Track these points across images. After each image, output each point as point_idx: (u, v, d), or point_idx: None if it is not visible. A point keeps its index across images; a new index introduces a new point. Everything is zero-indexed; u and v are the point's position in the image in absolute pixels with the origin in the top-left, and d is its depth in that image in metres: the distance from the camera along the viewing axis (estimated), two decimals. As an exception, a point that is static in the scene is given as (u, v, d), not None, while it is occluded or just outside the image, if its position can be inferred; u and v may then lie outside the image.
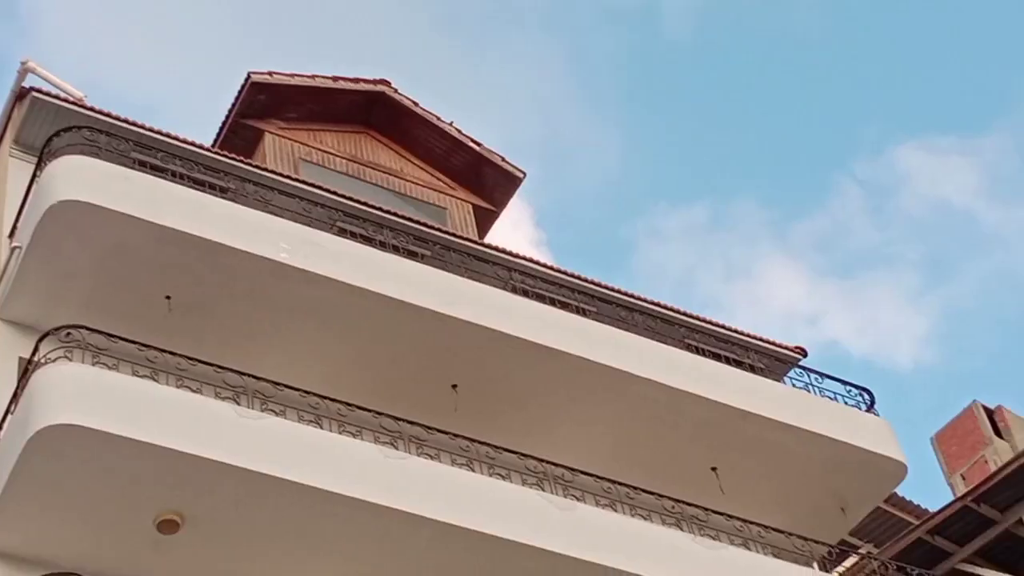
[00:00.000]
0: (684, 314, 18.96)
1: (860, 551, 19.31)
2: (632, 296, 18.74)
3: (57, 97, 16.82)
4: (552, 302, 17.72)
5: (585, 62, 54.83)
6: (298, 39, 49.51)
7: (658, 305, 18.84)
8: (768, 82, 55.79)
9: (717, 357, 18.45)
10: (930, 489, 33.53)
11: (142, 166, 15.97)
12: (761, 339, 19.27)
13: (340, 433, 14.93)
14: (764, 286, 55.11)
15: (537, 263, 18.49)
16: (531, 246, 45.30)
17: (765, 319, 54.92)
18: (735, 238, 55.83)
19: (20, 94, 16.90)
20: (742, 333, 19.16)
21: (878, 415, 18.30)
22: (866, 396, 18.43)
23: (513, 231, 39.21)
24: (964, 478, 27.18)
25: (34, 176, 15.58)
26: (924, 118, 56.64)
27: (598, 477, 16.26)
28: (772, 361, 19.19)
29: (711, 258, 55.57)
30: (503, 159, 20.39)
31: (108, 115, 16.75)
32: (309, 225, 16.39)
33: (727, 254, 55.63)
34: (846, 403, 18.37)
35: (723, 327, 19.16)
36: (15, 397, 13.75)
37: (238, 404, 14.58)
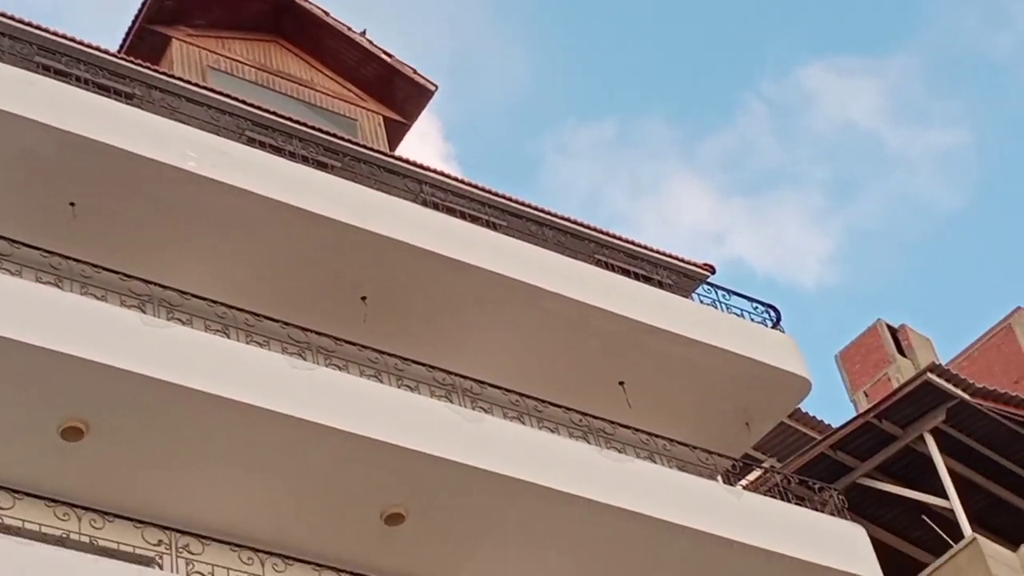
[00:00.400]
0: (594, 229, 19.01)
1: (763, 465, 19.59)
2: (542, 211, 18.75)
3: (-42, -1, 16.48)
4: (462, 216, 17.72)
5: (496, -27, 54.63)
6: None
7: (568, 220, 18.88)
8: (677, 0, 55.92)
9: (626, 273, 18.55)
10: (834, 406, 34.13)
11: (46, 71, 15.73)
12: (670, 256, 19.38)
13: (247, 343, 14.92)
14: (670, 203, 55.51)
15: (448, 176, 18.43)
16: (440, 159, 45.17)
17: (671, 236, 55.37)
18: (642, 155, 56.11)
19: (-81, -4, 16.54)
20: (651, 249, 19.26)
21: (784, 332, 18.50)
22: (772, 313, 18.63)
23: (421, 144, 39.15)
24: (867, 395, 27.67)
25: (-66, 79, 15.26)
26: (831, 38, 57.08)
27: (506, 390, 16.41)
28: (680, 278, 19.32)
29: (618, 175, 55.86)
30: (414, 71, 20.25)
31: (11, 18, 16.39)
32: (217, 134, 16.22)
33: (634, 171, 55.92)
34: (752, 320, 18.56)
35: (632, 243, 19.25)
36: (-85, 303, 13.53)
37: (144, 312, 14.51)
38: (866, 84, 56.95)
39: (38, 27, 16.46)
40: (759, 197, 56.42)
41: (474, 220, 17.72)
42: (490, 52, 54.79)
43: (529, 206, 18.69)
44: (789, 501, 16.91)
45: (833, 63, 57.00)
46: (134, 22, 18.78)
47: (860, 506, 18.96)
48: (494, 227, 17.92)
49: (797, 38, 56.41)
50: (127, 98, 16.12)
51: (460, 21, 53.84)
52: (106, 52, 16.84)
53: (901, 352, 28.90)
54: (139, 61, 17.19)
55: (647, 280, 18.70)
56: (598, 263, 18.48)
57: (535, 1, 55.24)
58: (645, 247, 19.23)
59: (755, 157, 56.10)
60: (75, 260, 14.57)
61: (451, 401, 15.86)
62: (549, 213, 18.76)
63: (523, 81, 55.04)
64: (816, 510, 16.92)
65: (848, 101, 56.42)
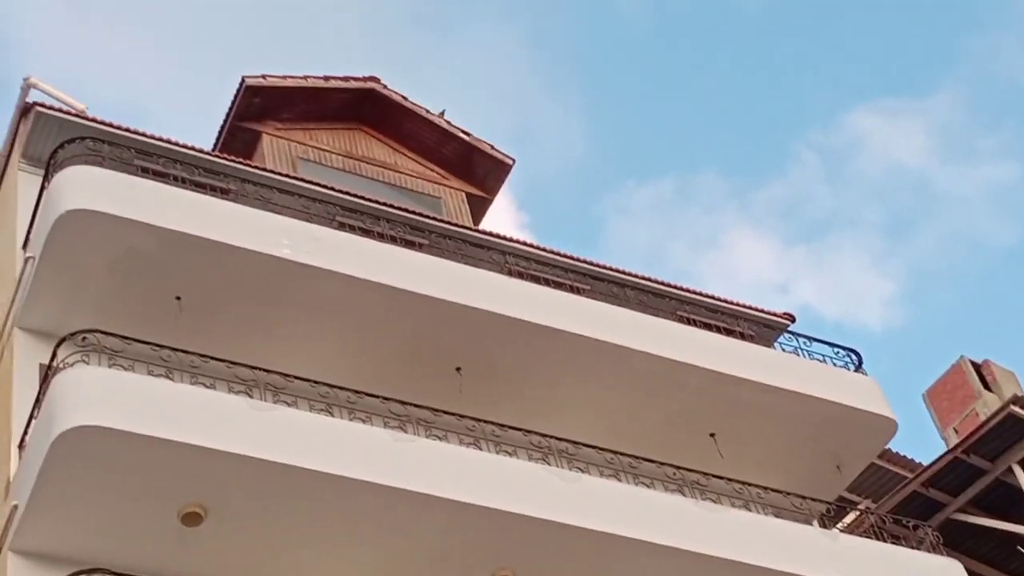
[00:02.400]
0: (674, 287, 19.43)
1: (858, 507, 19.79)
2: (622, 272, 19.21)
3: (60, 110, 17.23)
4: (546, 283, 18.18)
5: (545, 45, 55.54)
6: (264, 40, 50.11)
7: (648, 280, 19.32)
8: (723, 55, 56.52)
9: (708, 327, 18.93)
10: (926, 444, 34.19)
11: (145, 172, 16.36)
12: (750, 307, 19.76)
13: (350, 420, 15.35)
14: (731, 256, 55.96)
15: (530, 246, 18.94)
16: (516, 229, 45.82)
17: (735, 288, 55.49)
18: (700, 210, 56.69)
19: (24, 109, 17.32)
20: (731, 302, 19.65)
21: (866, 375, 18.79)
22: (854, 357, 18.91)
23: (497, 215, 39.83)
24: (957, 431, 27.71)
25: (42, 188, 15.99)
26: (873, 82, 57.31)
27: (600, 449, 16.63)
28: (761, 328, 19.68)
29: (678, 231, 56.51)
30: (492, 147, 20.86)
31: (110, 125, 17.17)
32: (309, 221, 16.81)
33: (694, 226, 56.52)
34: (835, 364, 18.85)
35: (713, 298, 19.65)
36: (38, 402, 14.16)
37: (251, 397, 14.98)
38: (911, 124, 57.15)
39: (135, 132, 17.18)
40: (818, 243, 56.73)
41: (558, 286, 18.20)
42: (545, 120, 55.67)
43: (610, 268, 19.16)
44: (885, 541, 17.09)
45: (877, 106, 57.27)
46: (226, 120, 19.51)
47: (955, 541, 19.14)
48: (577, 291, 18.39)
49: (840, 85, 56.77)
50: (223, 193, 16.75)
51: (516, 96, 54.75)
52: (201, 151, 17.56)
53: (987, 387, 28.96)
54: (232, 157, 17.87)
55: (729, 332, 19.07)
56: (680, 319, 18.91)
57: (587, 71, 56.08)
58: (725, 300, 19.63)
59: (810, 204, 56.48)
60: (183, 351, 15.08)
61: (548, 463, 16.11)
62: (630, 274, 19.21)
63: (580, 146, 55.93)
64: (912, 548, 17.07)
65: (895, 142, 56.68)
